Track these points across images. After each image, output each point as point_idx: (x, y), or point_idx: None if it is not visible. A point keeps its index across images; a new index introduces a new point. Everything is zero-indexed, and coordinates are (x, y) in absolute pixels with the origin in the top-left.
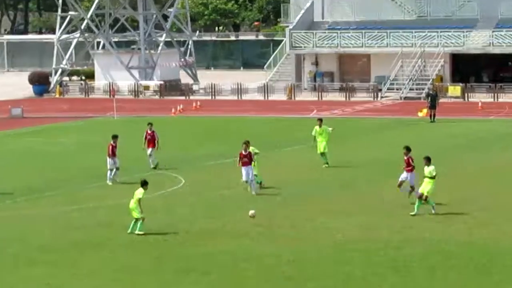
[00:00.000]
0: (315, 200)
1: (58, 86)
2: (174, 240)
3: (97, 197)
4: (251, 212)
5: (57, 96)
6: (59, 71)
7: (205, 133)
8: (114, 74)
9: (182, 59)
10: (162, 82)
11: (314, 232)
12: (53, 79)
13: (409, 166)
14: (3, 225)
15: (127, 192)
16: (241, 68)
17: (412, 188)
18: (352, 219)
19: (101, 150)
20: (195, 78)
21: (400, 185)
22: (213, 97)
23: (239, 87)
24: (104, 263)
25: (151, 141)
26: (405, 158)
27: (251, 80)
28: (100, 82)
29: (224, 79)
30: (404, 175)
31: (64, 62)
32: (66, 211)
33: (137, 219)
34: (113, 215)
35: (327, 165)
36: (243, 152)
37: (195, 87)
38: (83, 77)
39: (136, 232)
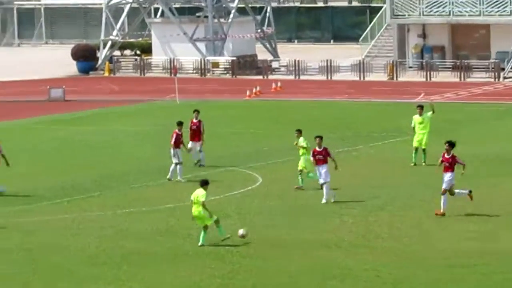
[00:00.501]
0: (419, 204)
1: (107, 63)
2: (248, 252)
3: (155, 198)
4: (241, 232)
5: (106, 74)
6: (109, 44)
7: (286, 120)
8: (175, 48)
9: (259, 30)
10: (234, 58)
11: (419, 243)
12: (101, 54)
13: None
14: (42, 231)
15: (191, 191)
16: (331, 41)
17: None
18: (464, 226)
19: (159, 140)
20: (274, 53)
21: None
22: (297, 76)
23: (329, 64)
24: (163, 279)
25: (197, 133)
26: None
27: (343, 56)
28: (158, 57)
29: (310, 55)
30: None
31: (114, 33)
32: (117, 215)
33: (206, 226)
34: (174, 220)
35: (424, 163)
36: (317, 149)
37: (274, 65)
38: (138, 52)
39: (222, 238)
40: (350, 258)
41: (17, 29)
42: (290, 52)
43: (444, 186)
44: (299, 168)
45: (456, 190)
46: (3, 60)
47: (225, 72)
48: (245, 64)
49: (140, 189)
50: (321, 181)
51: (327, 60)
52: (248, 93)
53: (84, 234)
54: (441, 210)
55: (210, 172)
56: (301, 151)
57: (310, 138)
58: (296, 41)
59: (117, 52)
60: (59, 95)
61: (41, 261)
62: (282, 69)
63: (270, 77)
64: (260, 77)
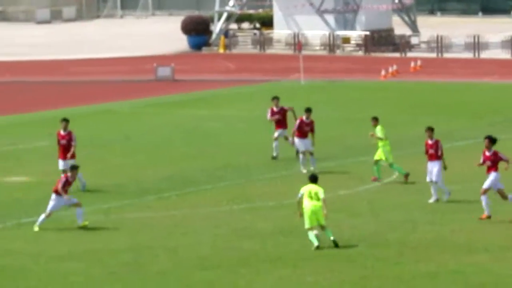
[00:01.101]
0: None
1: (222, 37)
2: (384, 255)
3: (277, 192)
4: None
5: (221, 50)
6: (224, 16)
7: (426, 104)
8: (300, 21)
9: (396, 1)
10: (367, 33)
11: None
12: (216, 27)
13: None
14: (147, 229)
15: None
16: (479, 13)
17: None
18: None
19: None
20: (413, 27)
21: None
22: (439, 54)
23: (476, 40)
24: (286, 286)
25: (281, 121)
26: None
27: (493, 31)
28: (281, 31)
29: (454, 29)
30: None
31: (231, 3)
32: (233, 212)
33: (324, 226)
34: (298, 219)
35: None
36: (429, 142)
37: (414, 40)
38: (258, 25)
39: (332, 238)
40: (497, 262)
41: None
42: (431, 26)
43: (484, 186)
44: (376, 158)
45: (510, 195)
46: (103, 34)
47: (357, 48)
48: (379, 39)
49: (259, 182)
50: (432, 179)
51: (474, 36)
52: (383, 73)
53: (195, 233)
54: (485, 214)
55: (340, 163)
56: (380, 142)
57: (464, 122)
58: (438, 13)
59: (233, 25)
60: (167, 74)
61: (147, 264)
62: (422, 45)
63: (409, 54)
64: (397, 54)
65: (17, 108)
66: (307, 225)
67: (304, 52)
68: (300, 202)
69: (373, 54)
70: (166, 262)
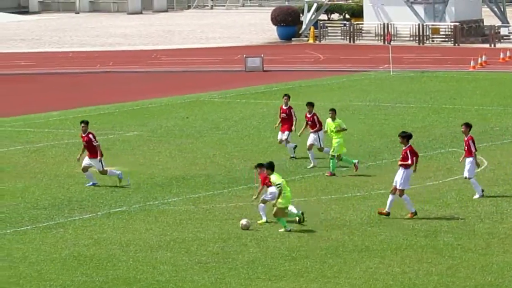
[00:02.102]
0: None
1: (312, 28)
2: (472, 245)
3: (365, 182)
4: (243, 222)
5: (311, 41)
6: (314, 7)
7: None
8: (390, 12)
9: None
10: (457, 24)
11: None
12: (305, 18)
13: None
14: (235, 218)
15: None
16: None
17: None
18: None
19: (370, 118)
20: (503, 18)
21: None
22: None
23: None
24: (373, 276)
25: (286, 121)
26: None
27: None
28: (370, 22)
29: None
30: None
31: None
32: (321, 202)
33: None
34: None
35: None
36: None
37: (503, 31)
38: (348, 16)
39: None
40: None
41: None
42: None
43: None
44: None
45: None
46: (194, 24)
47: (446, 39)
48: (469, 30)
49: (348, 173)
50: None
51: None
52: (472, 63)
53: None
54: None
55: (429, 153)
56: (337, 135)
57: None
58: None
59: (323, 16)
60: (257, 65)
61: (235, 254)
62: None
63: (498, 45)
64: (487, 45)
65: (108, 98)
66: (283, 205)
67: (393, 43)
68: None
69: (462, 45)
70: (254, 251)
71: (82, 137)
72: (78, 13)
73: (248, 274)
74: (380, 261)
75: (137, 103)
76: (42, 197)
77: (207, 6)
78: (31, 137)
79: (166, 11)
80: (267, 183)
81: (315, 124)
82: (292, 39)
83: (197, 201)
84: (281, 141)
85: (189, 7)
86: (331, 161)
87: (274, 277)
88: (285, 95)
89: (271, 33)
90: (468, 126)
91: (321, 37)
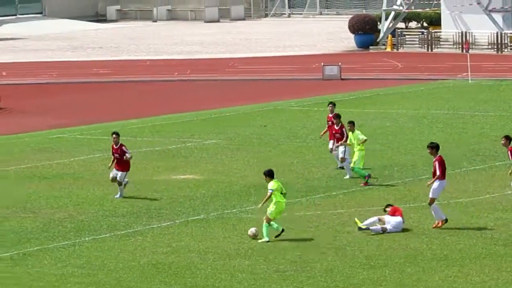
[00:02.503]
0: None
1: (389, 36)
2: None
3: (444, 191)
4: (251, 231)
5: (388, 49)
6: (392, 15)
7: None
8: (468, 20)
9: None
10: None
11: None
12: (383, 26)
13: None
14: (313, 226)
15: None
16: None
17: None
18: None
19: (449, 127)
20: None
21: None
22: None
23: None
24: (452, 285)
25: (334, 128)
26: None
27: None
28: (448, 31)
29: None
30: None
31: (398, 2)
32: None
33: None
34: (466, 218)
35: None
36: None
37: None
38: (425, 24)
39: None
40: None
41: None
42: None
43: None
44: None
45: None
46: (271, 32)
47: None
48: None
49: (426, 181)
50: None
51: None
52: None
53: (362, 232)
54: None
55: (508, 162)
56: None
57: None
58: None
59: (401, 24)
60: (335, 73)
61: (313, 263)
62: None
63: None
64: None
65: (186, 106)
66: (272, 216)
67: (471, 51)
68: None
69: None
70: (332, 260)
71: (113, 148)
72: (155, 21)
73: (326, 282)
74: (459, 270)
75: (214, 111)
76: (120, 205)
77: (285, 14)
78: (110, 145)
79: (243, 19)
80: None
81: (343, 136)
82: (370, 47)
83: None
84: (331, 150)
85: (266, 15)
86: (356, 171)
87: (352, 285)
88: (330, 103)
89: (348, 41)
90: (508, 138)
91: (399, 45)
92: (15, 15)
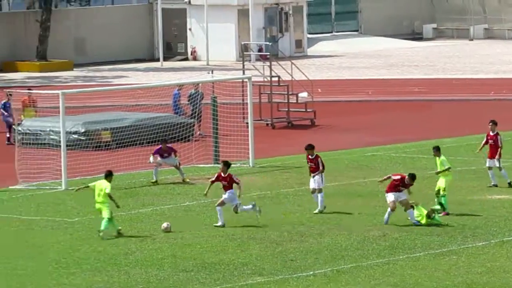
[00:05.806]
0: None
1: None
2: None
3: None
4: (164, 225)
5: None
6: None
7: None
8: None
9: None
10: None
11: None
12: None
13: None
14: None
15: None
16: None
17: None
18: None
19: None
20: None
21: None
22: None
23: None
24: None
25: (493, 147)
26: None
27: None
28: None
29: None
30: None
31: None
32: None
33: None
34: None
35: None
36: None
37: None
38: None
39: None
40: None
41: None
42: None
43: None
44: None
45: None
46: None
47: None
48: None
49: None
50: None
51: None
52: None
53: None
54: None
55: None
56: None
57: None
58: None
59: None
60: None
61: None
62: None
63: None
64: None
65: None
66: None
67: None
68: None
69: None
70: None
71: (221, 176)
72: (472, 40)
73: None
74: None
75: None
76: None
77: None
78: (424, 163)
79: None
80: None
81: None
82: None
83: None
84: (490, 168)
85: None
86: (443, 199)
87: None
88: (491, 121)
89: None
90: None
91: None
92: (331, 32)
